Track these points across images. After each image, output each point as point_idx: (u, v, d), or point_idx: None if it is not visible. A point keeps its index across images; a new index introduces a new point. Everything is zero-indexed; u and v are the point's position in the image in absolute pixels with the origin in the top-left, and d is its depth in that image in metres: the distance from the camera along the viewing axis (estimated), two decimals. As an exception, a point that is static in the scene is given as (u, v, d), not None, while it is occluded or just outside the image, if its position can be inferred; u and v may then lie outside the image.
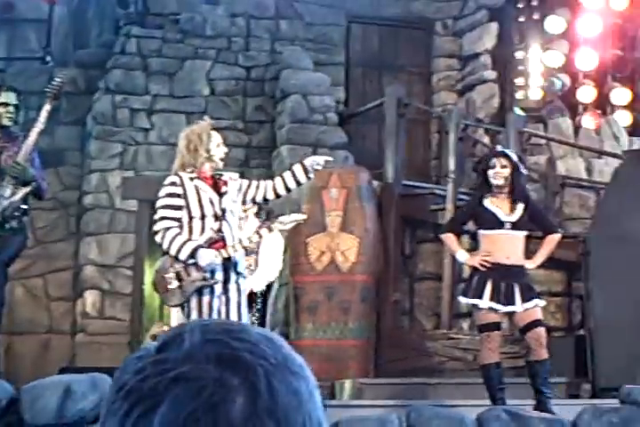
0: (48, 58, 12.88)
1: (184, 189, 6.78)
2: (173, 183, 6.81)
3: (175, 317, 9.70)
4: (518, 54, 13.85)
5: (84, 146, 12.67)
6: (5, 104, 8.19)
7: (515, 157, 7.71)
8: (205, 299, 6.73)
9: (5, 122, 8.18)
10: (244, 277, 6.97)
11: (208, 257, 6.64)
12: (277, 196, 7.19)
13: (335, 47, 13.73)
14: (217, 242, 6.75)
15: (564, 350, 9.73)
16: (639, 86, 13.56)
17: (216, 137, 7.04)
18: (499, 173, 7.58)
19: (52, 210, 12.31)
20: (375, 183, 11.31)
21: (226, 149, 7.09)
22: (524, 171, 7.79)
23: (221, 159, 7.00)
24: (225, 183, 6.95)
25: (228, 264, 6.77)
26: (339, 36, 13.77)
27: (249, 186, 7.06)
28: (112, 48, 12.88)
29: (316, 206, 10.89)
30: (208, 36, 13.17)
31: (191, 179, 6.82)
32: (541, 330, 7.46)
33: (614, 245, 9.40)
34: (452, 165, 11.42)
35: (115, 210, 12.32)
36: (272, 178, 12.72)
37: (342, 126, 12.82)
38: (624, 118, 13.41)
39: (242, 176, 7.95)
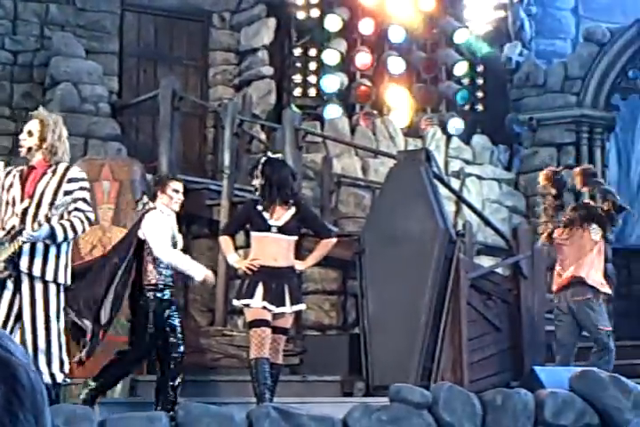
0: None
1: (3, 182, 6.85)
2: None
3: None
4: (296, 51, 13.76)
5: None
6: None
7: (260, 167, 7.70)
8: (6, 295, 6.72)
9: None
10: (41, 278, 6.71)
11: None
12: None
13: (108, 35, 13.29)
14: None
15: (339, 348, 9.75)
16: (415, 87, 13.72)
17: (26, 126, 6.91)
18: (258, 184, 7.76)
19: None
20: (149, 177, 11.01)
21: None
22: (272, 179, 7.67)
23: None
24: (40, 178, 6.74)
25: (16, 264, 6.69)
26: (112, 24, 13.34)
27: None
28: None
29: (87, 199, 10.48)
30: (-29, 16, 12.53)
31: (19, 171, 6.81)
32: (284, 338, 7.75)
33: (387, 244, 9.45)
34: (227, 160, 11.28)
35: None
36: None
37: (115, 117, 12.52)
38: (400, 119, 13.53)
39: (8, 165, 7.56)
